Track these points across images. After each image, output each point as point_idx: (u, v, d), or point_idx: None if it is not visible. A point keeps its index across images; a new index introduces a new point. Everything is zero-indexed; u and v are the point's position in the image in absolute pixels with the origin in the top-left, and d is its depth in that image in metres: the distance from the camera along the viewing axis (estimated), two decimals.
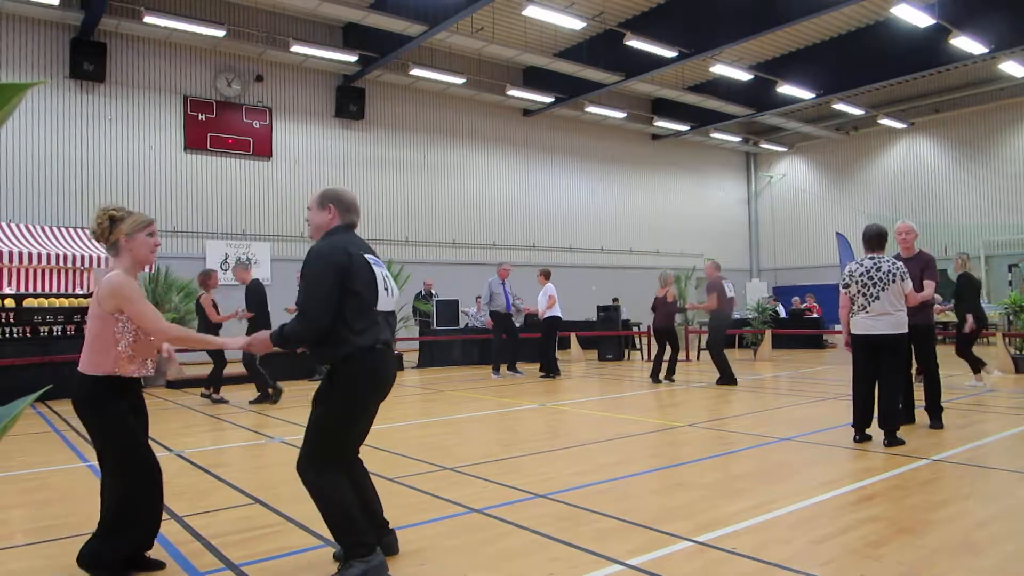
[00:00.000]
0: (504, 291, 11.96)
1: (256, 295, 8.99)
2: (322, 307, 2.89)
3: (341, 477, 3.02)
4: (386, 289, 3.09)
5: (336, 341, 2.93)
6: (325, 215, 3.14)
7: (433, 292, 16.00)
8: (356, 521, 2.94)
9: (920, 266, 6.40)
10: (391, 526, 3.33)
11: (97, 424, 3.04)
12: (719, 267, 10.79)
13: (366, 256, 3.04)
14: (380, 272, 3.08)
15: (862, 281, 5.63)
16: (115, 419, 3.04)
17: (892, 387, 5.64)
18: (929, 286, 6.29)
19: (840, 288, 5.85)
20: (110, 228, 3.16)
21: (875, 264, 5.62)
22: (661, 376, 10.57)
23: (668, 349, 10.66)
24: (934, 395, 6.34)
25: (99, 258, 11.52)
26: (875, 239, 5.73)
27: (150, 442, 3.21)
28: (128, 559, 3.10)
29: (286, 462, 5.40)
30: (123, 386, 3.10)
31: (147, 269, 9.30)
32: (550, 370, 11.78)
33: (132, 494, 3.04)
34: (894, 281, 5.53)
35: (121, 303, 3.04)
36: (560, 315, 12.17)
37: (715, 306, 10.16)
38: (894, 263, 5.62)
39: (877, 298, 5.53)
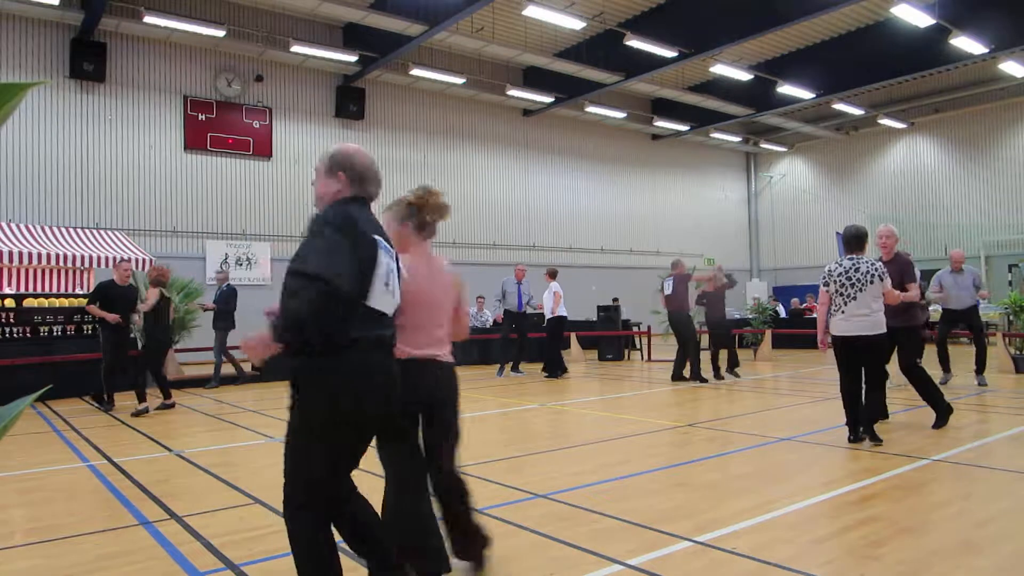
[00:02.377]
0: (518, 291, 12.10)
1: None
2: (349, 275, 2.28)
3: (316, 530, 2.43)
4: (387, 285, 2.45)
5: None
6: (333, 184, 2.54)
7: None
8: None
9: (898, 269, 6.38)
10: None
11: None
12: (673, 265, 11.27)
13: (377, 238, 2.45)
14: (387, 263, 2.47)
15: (840, 281, 5.62)
16: None
17: (875, 389, 5.68)
18: (913, 287, 6.29)
19: (820, 286, 5.86)
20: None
21: (854, 265, 5.59)
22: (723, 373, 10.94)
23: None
24: (931, 396, 6.28)
25: (99, 258, 11.51)
26: (854, 240, 5.70)
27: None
28: None
29: None
30: None
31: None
32: (554, 369, 11.78)
33: None
34: (872, 282, 5.49)
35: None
36: (566, 314, 12.25)
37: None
38: (873, 264, 5.58)
39: (854, 299, 5.52)
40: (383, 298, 2.43)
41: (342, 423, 2.36)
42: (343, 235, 2.32)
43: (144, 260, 11.77)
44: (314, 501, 2.45)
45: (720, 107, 21.70)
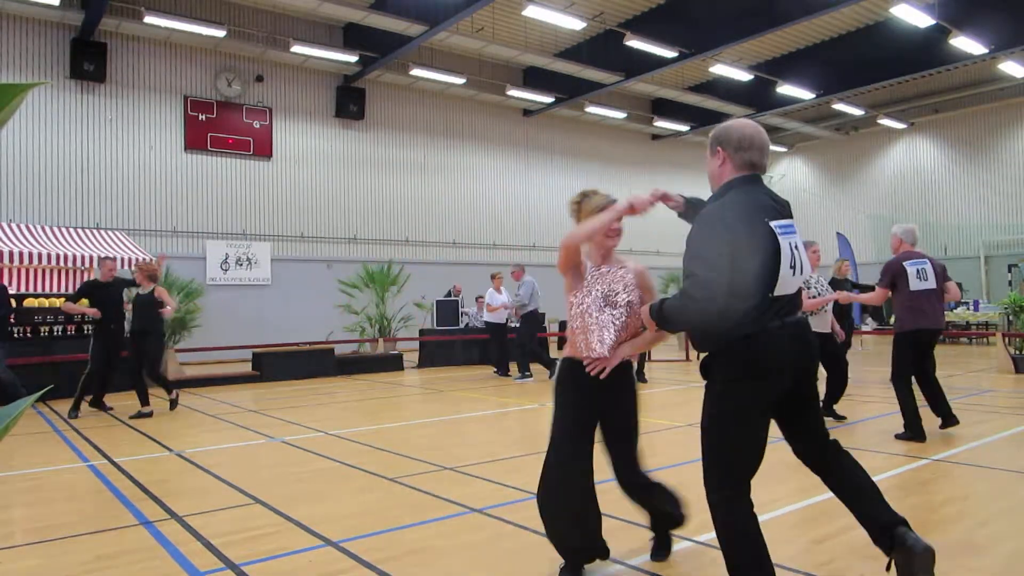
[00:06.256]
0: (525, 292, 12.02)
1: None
2: (716, 282, 2.29)
3: (742, 506, 2.45)
4: (792, 267, 2.46)
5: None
6: (715, 162, 2.58)
7: (460, 296, 15.84)
8: (764, 567, 2.38)
9: None
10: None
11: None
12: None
13: (771, 223, 2.46)
14: (789, 243, 2.48)
15: None
16: None
17: None
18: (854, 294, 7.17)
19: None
20: (579, 205, 3.24)
21: None
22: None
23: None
24: (905, 411, 5.92)
25: (99, 258, 11.49)
26: None
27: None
28: None
29: (286, 462, 5.40)
30: None
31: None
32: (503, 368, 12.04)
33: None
34: None
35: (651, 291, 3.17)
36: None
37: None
38: None
39: None
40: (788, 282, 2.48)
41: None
42: (734, 235, 2.35)
43: (144, 260, 11.77)
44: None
45: (720, 107, 21.70)
